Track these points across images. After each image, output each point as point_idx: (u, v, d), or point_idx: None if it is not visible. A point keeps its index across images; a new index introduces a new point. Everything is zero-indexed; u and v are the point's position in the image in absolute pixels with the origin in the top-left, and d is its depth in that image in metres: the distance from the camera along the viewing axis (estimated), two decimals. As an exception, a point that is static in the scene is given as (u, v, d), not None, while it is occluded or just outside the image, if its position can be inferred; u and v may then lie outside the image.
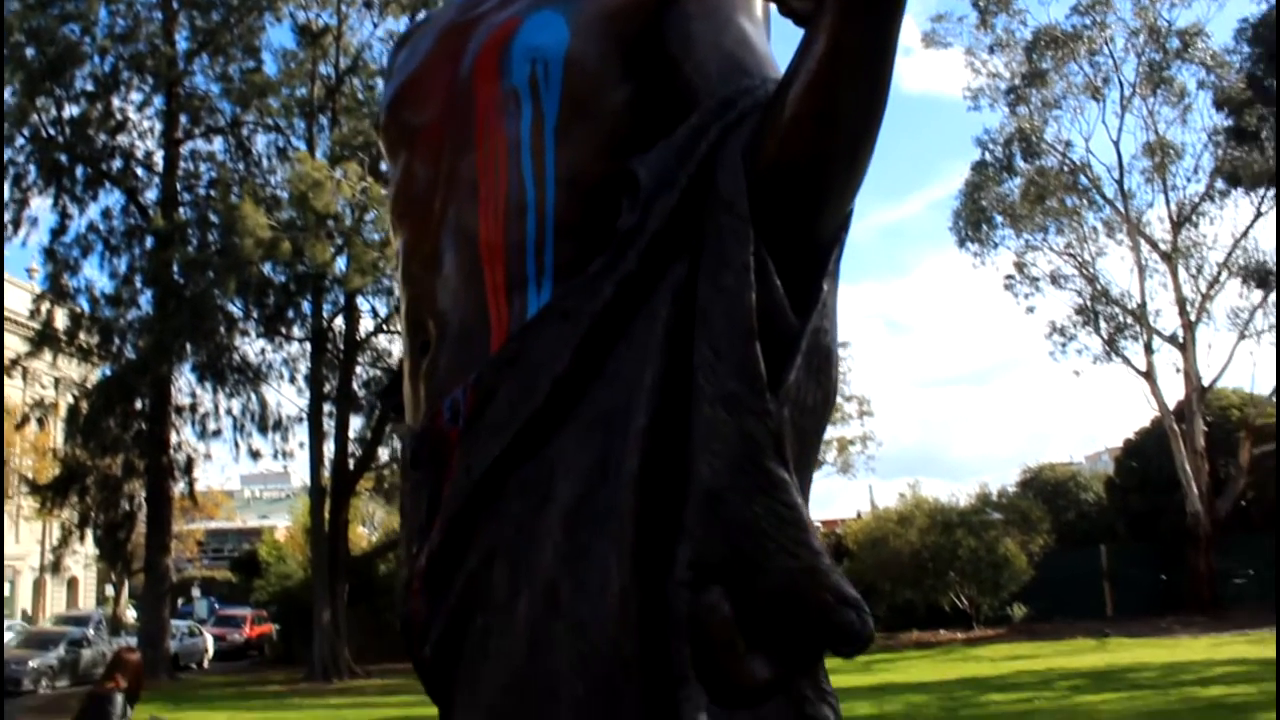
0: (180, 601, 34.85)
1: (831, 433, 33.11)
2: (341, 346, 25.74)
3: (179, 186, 26.18)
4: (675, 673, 1.24)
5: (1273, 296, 27.72)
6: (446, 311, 1.53)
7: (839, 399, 32.47)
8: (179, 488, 26.15)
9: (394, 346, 25.25)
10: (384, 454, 26.40)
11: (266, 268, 23.52)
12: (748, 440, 1.31)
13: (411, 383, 1.58)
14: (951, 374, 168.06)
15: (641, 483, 1.32)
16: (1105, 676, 13.69)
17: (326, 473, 25.60)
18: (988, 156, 30.52)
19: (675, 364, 1.37)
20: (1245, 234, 28.75)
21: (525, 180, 1.51)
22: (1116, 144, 29.90)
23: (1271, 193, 26.13)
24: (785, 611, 1.28)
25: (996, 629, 24.92)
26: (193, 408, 26.10)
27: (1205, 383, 29.68)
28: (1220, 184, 29.09)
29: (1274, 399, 29.63)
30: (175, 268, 23.78)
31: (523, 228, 1.49)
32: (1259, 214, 28.37)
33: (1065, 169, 30.33)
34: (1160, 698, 11.35)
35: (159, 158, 26.65)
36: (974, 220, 30.57)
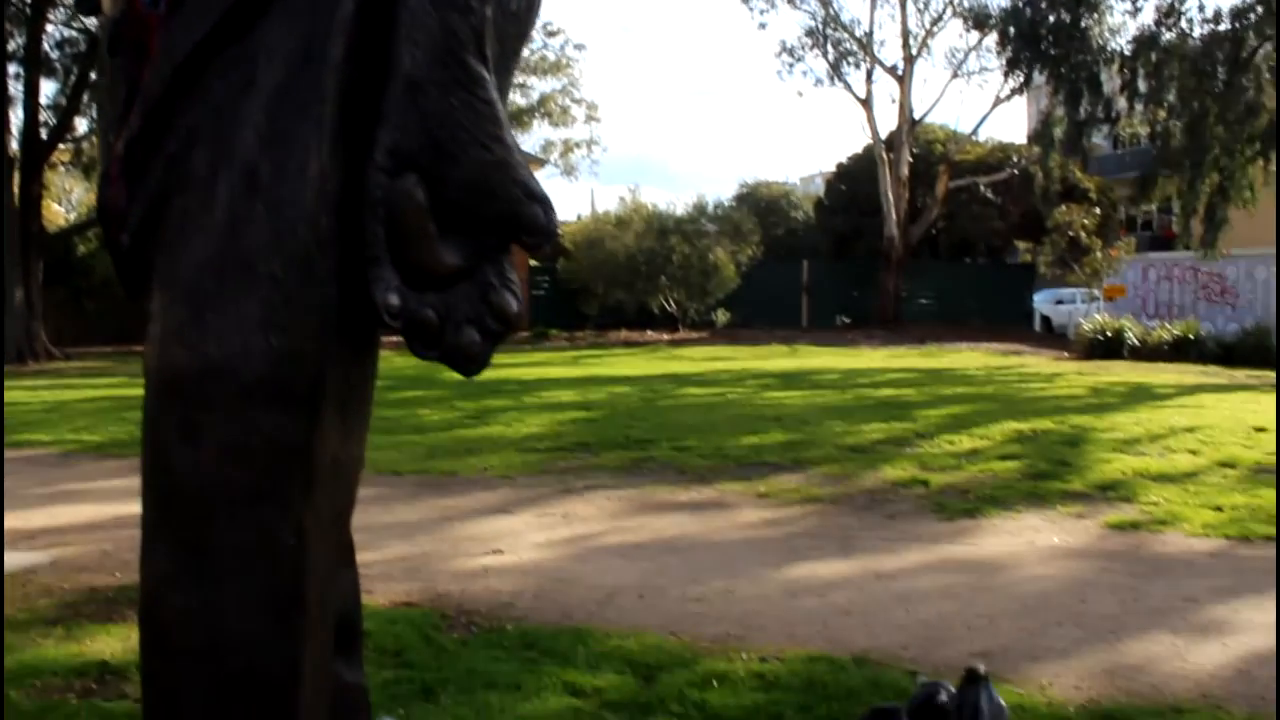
0: None
1: (556, 135, 33.00)
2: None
3: None
4: (368, 254, 1.30)
5: (989, 39, 28.97)
6: None
7: (568, 102, 31.91)
8: None
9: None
10: (82, 125, 24.41)
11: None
12: (450, 35, 1.32)
13: None
14: (679, 85, 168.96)
15: (344, 69, 1.33)
16: (793, 377, 14.91)
17: (15, 143, 23.52)
18: None
19: (385, -45, 1.36)
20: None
21: None
22: None
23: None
24: (476, 201, 1.34)
25: (701, 332, 26.38)
26: None
27: (916, 115, 31.29)
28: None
29: (974, 136, 31.66)
30: None
31: None
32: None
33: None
34: (838, 396, 12.52)
35: None
36: (717, -71, 30.06)
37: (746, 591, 4.92)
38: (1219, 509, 6.40)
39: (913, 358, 18.65)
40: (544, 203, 1.35)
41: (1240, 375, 15.50)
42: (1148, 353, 18.78)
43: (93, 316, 25.78)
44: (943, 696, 1.22)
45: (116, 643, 4.12)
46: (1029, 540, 5.79)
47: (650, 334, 26.35)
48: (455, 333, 1.26)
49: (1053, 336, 26.14)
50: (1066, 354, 20.27)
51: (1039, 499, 6.71)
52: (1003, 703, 1.21)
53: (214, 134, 1.36)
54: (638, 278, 25.91)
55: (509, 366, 16.94)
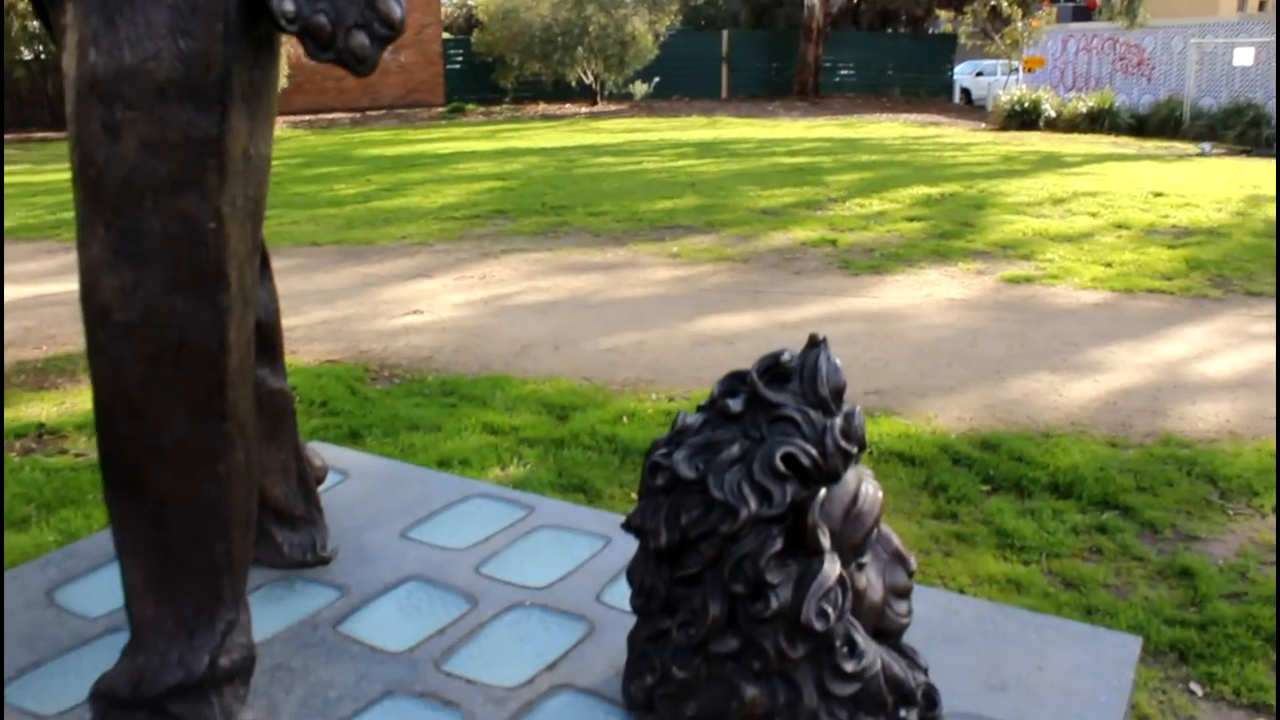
0: None
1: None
2: None
3: None
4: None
5: None
6: None
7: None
8: None
9: None
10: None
11: None
12: None
13: None
14: None
15: None
16: (709, 147, 14.88)
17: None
18: None
19: None
20: None
21: None
22: None
23: None
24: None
25: (619, 105, 25.98)
26: None
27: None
28: None
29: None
30: None
31: None
32: None
33: None
34: (753, 163, 12.58)
35: None
36: None
37: (656, 342, 5.14)
38: (1109, 265, 6.72)
39: (831, 128, 18.66)
40: None
41: (1150, 146, 15.80)
42: (1063, 124, 18.96)
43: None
44: (786, 357, 1.39)
45: (51, 407, 4.24)
46: (928, 293, 6.06)
47: (569, 107, 25.89)
48: (346, 37, 1.34)
49: (972, 109, 26.19)
50: (984, 125, 20.41)
51: (942, 257, 6.97)
52: (839, 363, 1.38)
53: None
54: (554, 49, 25.22)
55: (424, 141, 16.67)
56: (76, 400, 4.33)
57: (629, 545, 2.09)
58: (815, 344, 1.39)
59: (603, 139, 16.49)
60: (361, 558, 2.05)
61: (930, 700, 1.49)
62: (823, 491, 1.34)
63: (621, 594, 1.90)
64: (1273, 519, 3.28)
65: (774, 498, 1.31)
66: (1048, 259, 6.88)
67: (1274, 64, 17.10)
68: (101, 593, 1.95)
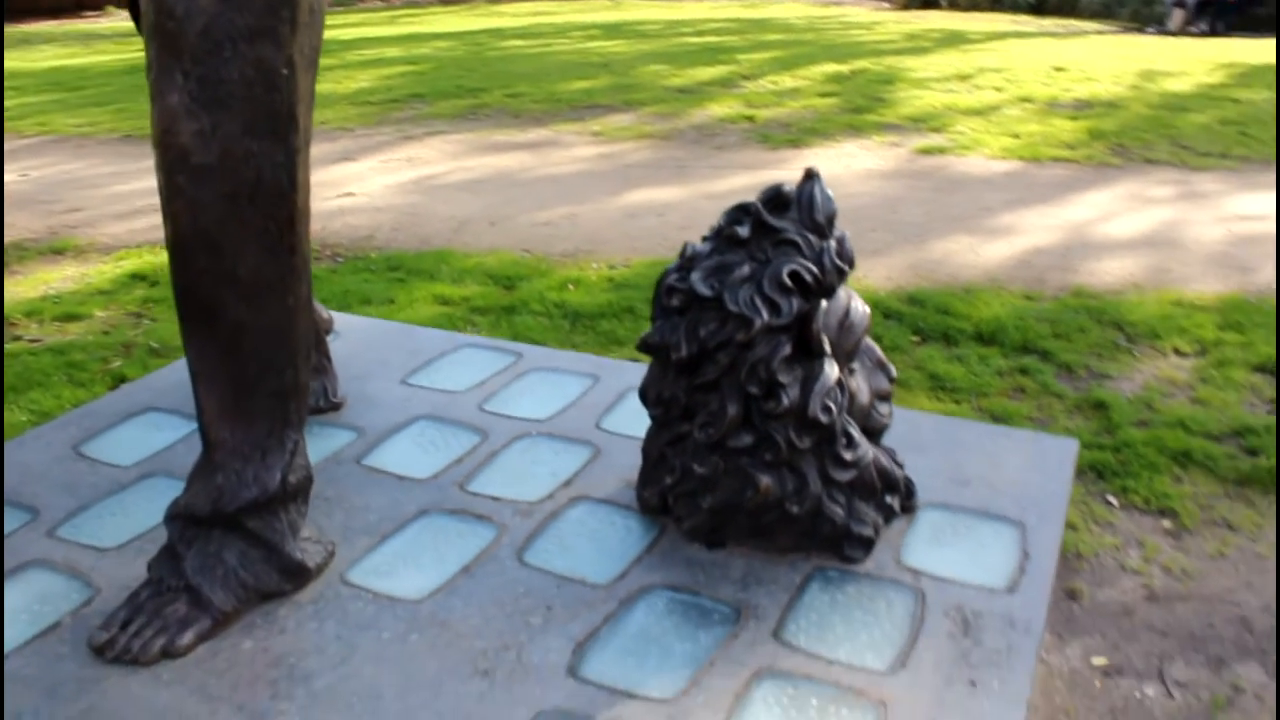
0: None
1: None
2: None
3: None
4: None
5: None
6: None
7: None
8: None
9: None
10: None
11: None
12: None
13: None
14: None
15: None
16: (616, 28, 14.79)
17: None
18: None
19: None
20: None
21: None
22: None
23: None
24: None
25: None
26: None
27: None
28: None
29: None
30: None
31: None
32: None
33: None
34: (663, 44, 12.57)
35: None
36: None
37: (589, 215, 5.27)
38: (1016, 136, 6.98)
39: (735, 9, 18.60)
40: None
41: (1048, 24, 16.07)
42: (965, 4, 19.19)
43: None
44: (787, 188, 1.56)
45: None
46: (846, 165, 6.26)
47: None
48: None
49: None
50: (887, 5, 20.52)
51: (856, 130, 7.16)
52: (830, 194, 1.57)
53: None
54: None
55: (325, 27, 16.22)
56: (16, 289, 4.34)
57: (616, 382, 2.28)
58: (810, 177, 1.57)
59: (507, 22, 16.27)
60: (369, 403, 2.20)
61: (909, 491, 1.72)
62: (823, 304, 1.53)
63: (618, 421, 2.09)
64: (1174, 358, 3.58)
65: (782, 309, 1.49)
66: (958, 131, 7.12)
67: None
68: (126, 445, 2.08)
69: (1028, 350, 3.61)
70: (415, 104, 8.54)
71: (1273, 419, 3.11)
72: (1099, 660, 2.15)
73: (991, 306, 3.94)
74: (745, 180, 5.90)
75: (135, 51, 12.61)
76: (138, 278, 4.48)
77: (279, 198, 1.39)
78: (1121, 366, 3.51)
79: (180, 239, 1.40)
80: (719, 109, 7.94)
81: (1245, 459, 2.89)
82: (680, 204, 5.43)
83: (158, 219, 5.39)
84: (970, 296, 4.07)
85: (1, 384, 3.40)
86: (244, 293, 1.42)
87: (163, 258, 4.72)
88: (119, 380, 3.40)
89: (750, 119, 7.56)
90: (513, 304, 4.01)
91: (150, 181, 6.17)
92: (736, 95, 8.52)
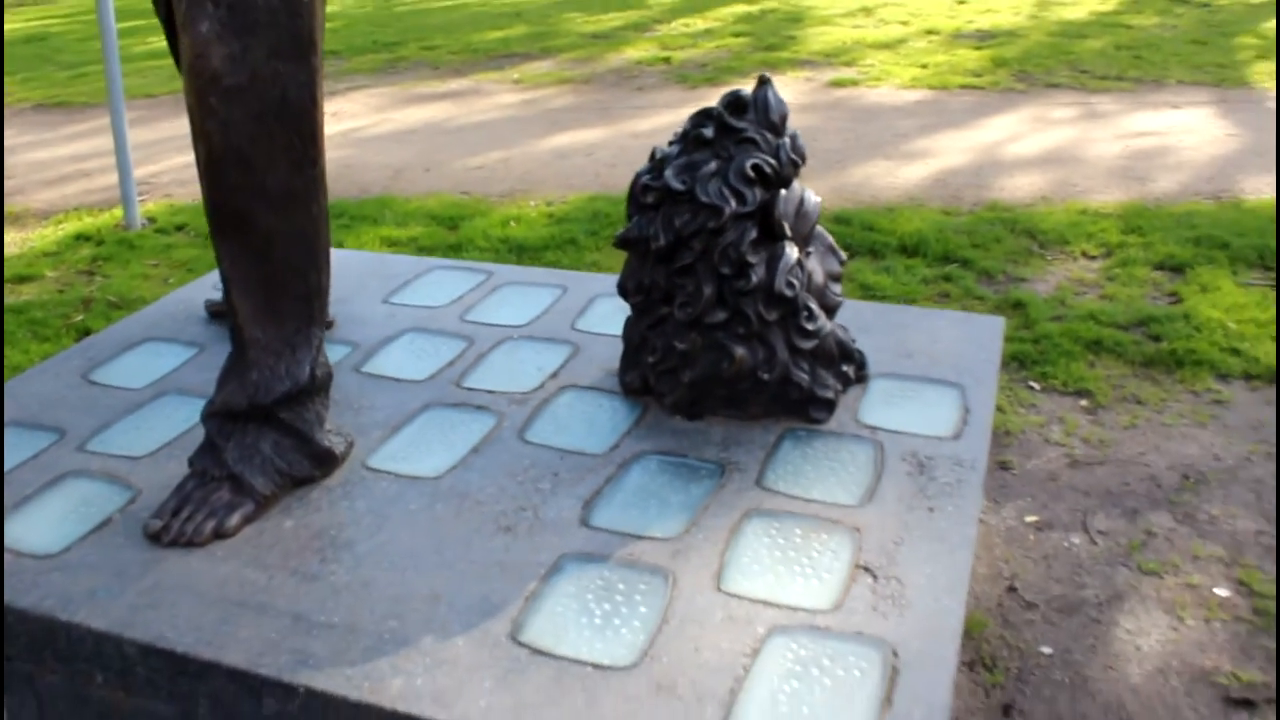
0: None
1: None
2: None
3: None
4: None
5: None
6: None
7: None
8: None
9: None
10: None
11: None
12: None
13: None
14: None
15: None
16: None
17: None
18: None
19: None
20: None
21: None
22: None
23: None
24: None
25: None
26: None
27: None
28: None
29: None
30: None
31: None
32: None
33: None
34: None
35: None
36: None
37: (521, 158, 5.42)
38: (924, 67, 7.24)
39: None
40: None
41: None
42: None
43: None
44: (744, 93, 1.76)
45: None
46: (764, 101, 6.46)
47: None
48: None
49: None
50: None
51: (770, 67, 7.37)
52: (782, 97, 1.76)
53: None
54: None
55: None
56: (-36, 250, 4.39)
57: (583, 291, 2.47)
58: (764, 83, 1.77)
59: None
60: (357, 321, 2.36)
61: (862, 362, 1.94)
62: (782, 193, 1.73)
63: (591, 323, 2.29)
64: (1083, 260, 3.87)
65: (747, 198, 1.69)
66: (869, 64, 7.36)
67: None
68: (134, 370, 2.22)
69: (949, 259, 3.87)
70: (332, 60, 8.55)
71: (1173, 308, 3.41)
72: (1031, 518, 2.42)
73: (913, 222, 4.19)
74: (668, 119, 6.08)
75: (30, 20, 12.35)
76: (82, 238, 4.54)
77: (302, 114, 1.55)
78: (1035, 270, 3.79)
79: (213, 157, 1.55)
80: (635, 52, 8.09)
81: (1150, 344, 3.18)
82: (607, 143, 5.60)
83: (88, 184, 5.45)
84: (892, 214, 4.32)
85: (1, 303, 3.48)
86: (273, 204, 1.58)
87: (103, 219, 4.78)
88: (84, 333, 3.51)
89: (667, 60, 7.72)
90: (458, 242, 4.17)
91: (72, 148, 6.17)
92: (651, 39, 8.67)
